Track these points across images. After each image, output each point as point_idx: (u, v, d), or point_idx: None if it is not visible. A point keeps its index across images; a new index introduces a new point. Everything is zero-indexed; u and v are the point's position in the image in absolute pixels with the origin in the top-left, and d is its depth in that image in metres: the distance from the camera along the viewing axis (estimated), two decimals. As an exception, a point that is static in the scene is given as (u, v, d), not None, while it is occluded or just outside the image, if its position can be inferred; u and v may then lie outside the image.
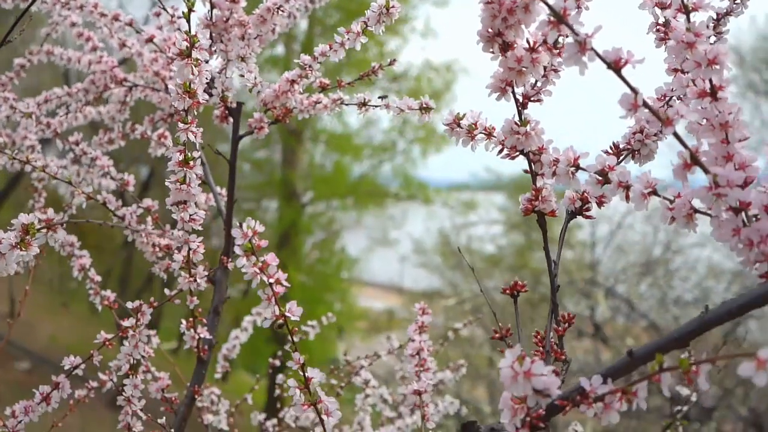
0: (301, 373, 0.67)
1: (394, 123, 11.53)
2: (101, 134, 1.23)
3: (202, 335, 1.00)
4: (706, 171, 0.52)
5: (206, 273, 0.94)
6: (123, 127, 1.25)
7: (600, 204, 0.69)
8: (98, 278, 1.12)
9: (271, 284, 0.64)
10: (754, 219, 0.54)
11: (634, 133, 0.71)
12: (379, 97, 0.96)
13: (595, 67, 0.57)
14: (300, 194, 11.21)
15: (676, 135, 0.52)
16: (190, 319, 0.99)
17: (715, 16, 0.74)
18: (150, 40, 1.10)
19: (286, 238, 10.62)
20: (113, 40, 1.17)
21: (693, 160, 0.53)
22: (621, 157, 0.71)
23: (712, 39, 0.74)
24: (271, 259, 0.65)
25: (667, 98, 0.71)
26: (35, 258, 1.20)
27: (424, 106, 0.87)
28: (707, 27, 0.73)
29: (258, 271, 0.64)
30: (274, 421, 1.38)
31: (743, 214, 0.53)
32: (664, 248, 7.41)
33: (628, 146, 0.71)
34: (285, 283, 0.65)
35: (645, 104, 0.52)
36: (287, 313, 0.65)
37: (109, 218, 1.12)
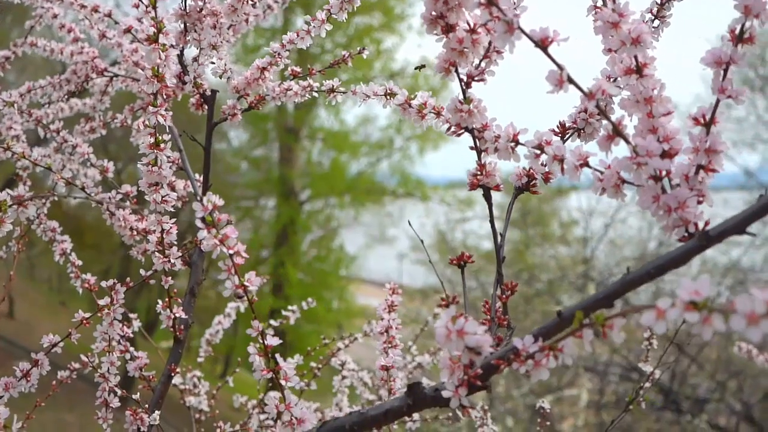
0: (261, 341, 0.71)
1: (391, 120, 11.59)
2: (82, 123, 1.27)
3: (177, 315, 1.03)
4: (627, 142, 0.56)
5: (180, 253, 0.97)
6: (104, 116, 1.28)
7: (546, 180, 0.73)
8: (79, 262, 1.15)
9: (231, 255, 0.68)
10: (677, 188, 0.58)
11: (579, 112, 0.74)
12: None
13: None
14: (298, 192, 11.25)
15: (598, 107, 0.56)
16: (166, 299, 1.03)
17: (659, 1, 0.77)
18: (128, 30, 1.13)
19: (284, 236, 10.67)
20: (93, 31, 1.20)
21: (615, 131, 0.56)
22: (567, 135, 0.74)
23: (656, 23, 0.77)
24: (231, 231, 0.68)
25: (611, 79, 0.74)
26: (17, 243, 1.24)
27: (389, 92, 0.91)
28: (650, 11, 0.77)
29: (218, 243, 0.67)
30: (254, 402, 1.42)
31: (664, 182, 0.57)
32: (659, 243, 7.45)
33: (574, 125, 0.75)
34: (244, 255, 0.68)
35: (570, 80, 0.55)
36: (246, 283, 0.69)
37: (94, 206, 1.15)
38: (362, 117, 11.73)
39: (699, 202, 0.56)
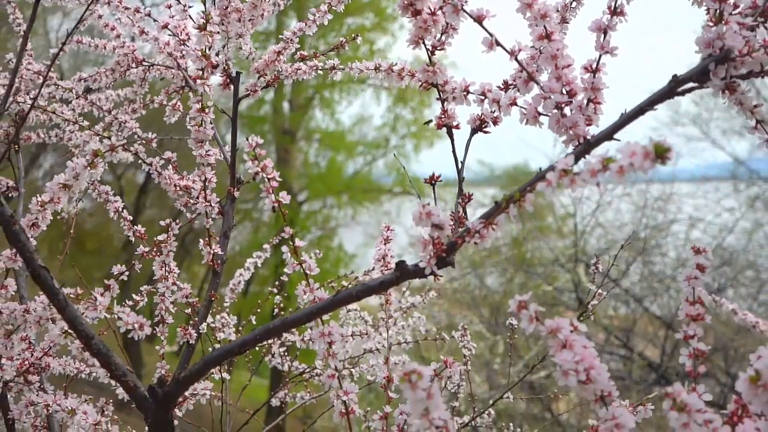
0: (291, 243, 0.97)
1: (386, 119, 11.85)
2: (126, 105, 1.53)
3: (215, 251, 1.29)
4: (537, 83, 0.82)
5: (219, 200, 1.24)
6: (143, 99, 1.55)
7: (495, 123, 0.99)
8: (130, 218, 1.42)
9: (269, 179, 0.94)
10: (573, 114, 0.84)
11: (517, 71, 1.01)
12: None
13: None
14: (296, 193, 11.51)
15: (517, 61, 0.82)
16: (206, 238, 1.29)
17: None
18: (165, 26, 1.39)
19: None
20: (134, 29, 1.47)
21: (529, 77, 0.83)
22: (509, 89, 1.01)
23: (573, 4, 1.04)
24: (269, 163, 0.95)
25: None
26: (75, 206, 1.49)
27: (377, 66, 1.17)
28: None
29: (260, 170, 0.94)
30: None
31: (564, 110, 0.83)
32: (645, 227, 7.73)
33: (514, 82, 1.01)
34: (277, 179, 0.95)
35: (497, 43, 0.82)
36: (280, 199, 0.95)
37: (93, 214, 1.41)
38: (357, 117, 12.02)
39: (588, 124, 0.83)
